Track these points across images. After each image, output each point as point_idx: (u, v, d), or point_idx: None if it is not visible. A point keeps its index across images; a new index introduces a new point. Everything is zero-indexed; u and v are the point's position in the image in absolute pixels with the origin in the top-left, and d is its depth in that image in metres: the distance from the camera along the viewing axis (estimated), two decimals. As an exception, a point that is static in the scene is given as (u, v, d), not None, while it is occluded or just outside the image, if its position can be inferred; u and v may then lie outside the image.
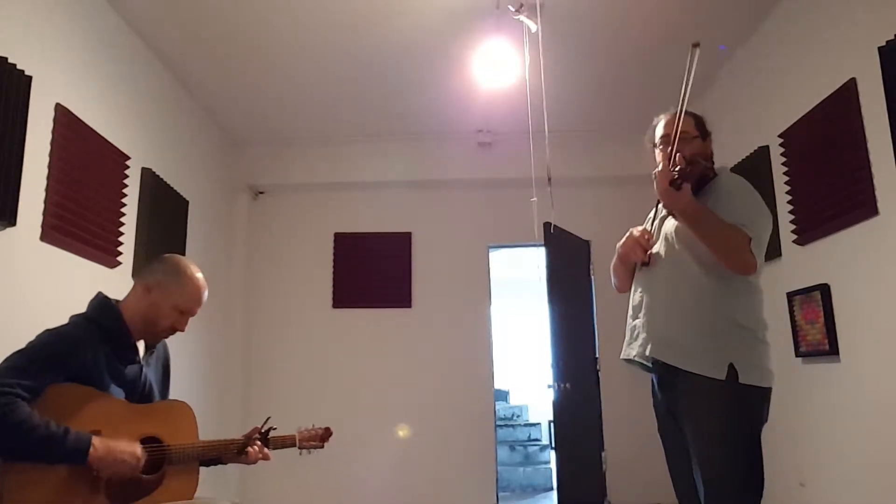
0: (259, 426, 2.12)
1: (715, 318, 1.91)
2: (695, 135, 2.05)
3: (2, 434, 1.49)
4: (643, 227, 2.17)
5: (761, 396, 1.90)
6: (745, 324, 1.91)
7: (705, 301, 1.93)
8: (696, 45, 1.85)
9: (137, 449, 1.68)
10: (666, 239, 2.03)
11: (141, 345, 1.94)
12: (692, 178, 1.90)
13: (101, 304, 1.85)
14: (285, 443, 2.20)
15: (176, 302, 1.88)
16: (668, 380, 2.00)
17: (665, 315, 1.98)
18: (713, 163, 2.10)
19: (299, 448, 2.24)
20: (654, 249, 2.07)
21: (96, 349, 1.74)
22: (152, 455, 1.78)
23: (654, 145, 2.13)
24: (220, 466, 2.12)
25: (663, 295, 2.00)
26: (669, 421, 2.03)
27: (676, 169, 1.86)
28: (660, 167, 1.93)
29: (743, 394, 1.86)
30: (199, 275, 1.97)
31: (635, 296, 2.11)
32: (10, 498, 1.49)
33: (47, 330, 1.73)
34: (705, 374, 1.87)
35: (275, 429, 2.14)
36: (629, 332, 2.10)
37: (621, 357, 2.13)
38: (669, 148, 1.94)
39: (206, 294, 1.98)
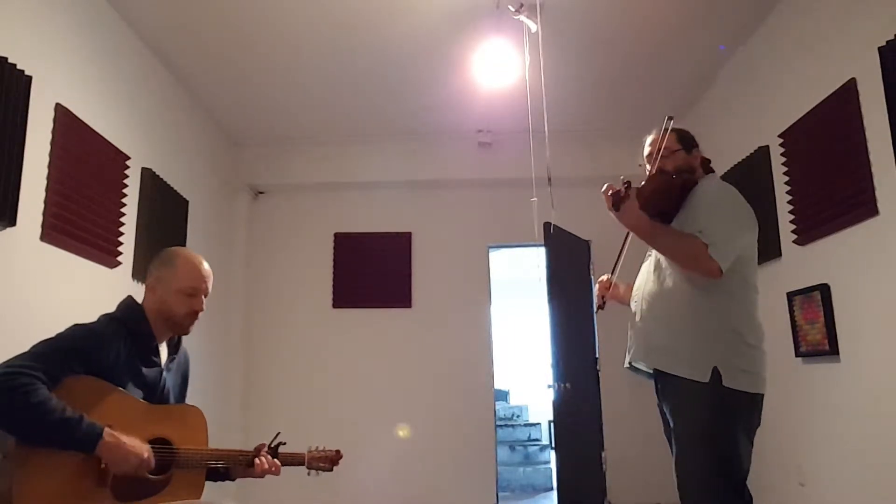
0: (268, 442, 2.12)
1: (700, 323, 1.97)
2: (676, 149, 2.14)
3: (20, 413, 1.52)
4: (610, 276, 2.34)
5: (749, 402, 1.91)
6: (734, 328, 1.95)
7: (690, 308, 1.99)
8: (670, 119, 2.04)
9: (145, 451, 1.69)
10: (652, 252, 2.15)
11: (164, 350, 1.95)
12: (645, 196, 2.01)
13: (130, 305, 1.91)
14: (294, 460, 2.18)
15: (178, 286, 1.92)
16: (662, 384, 2.06)
17: (654, 323, 2.07)
18: (704, 172, 2.19)
19: (308, 468, 2.22)
20: (644, 263, 2.20)
21: (120, 348, 1.78)
22: (160, 456, 1.79)
23: (642, 165, 2.25)
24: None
25: (652, 305, 2.09)
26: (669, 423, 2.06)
27: (610, 193, 1.97)
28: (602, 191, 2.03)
29: (726, 397, 1.88)
30: (193, 255, 2.01)
31: (632, 308, 2.21)
32: (19, 489, 1.52)
33: (76, 324, 1.77)
34: (689, 377, 1.92)
35: (284, 444, 2.13)
36: (629, 343, 2.18)
37: (624, 366, 2.21)
38: (650, 167, 2.08)
39: (205, 269, 2.00)
